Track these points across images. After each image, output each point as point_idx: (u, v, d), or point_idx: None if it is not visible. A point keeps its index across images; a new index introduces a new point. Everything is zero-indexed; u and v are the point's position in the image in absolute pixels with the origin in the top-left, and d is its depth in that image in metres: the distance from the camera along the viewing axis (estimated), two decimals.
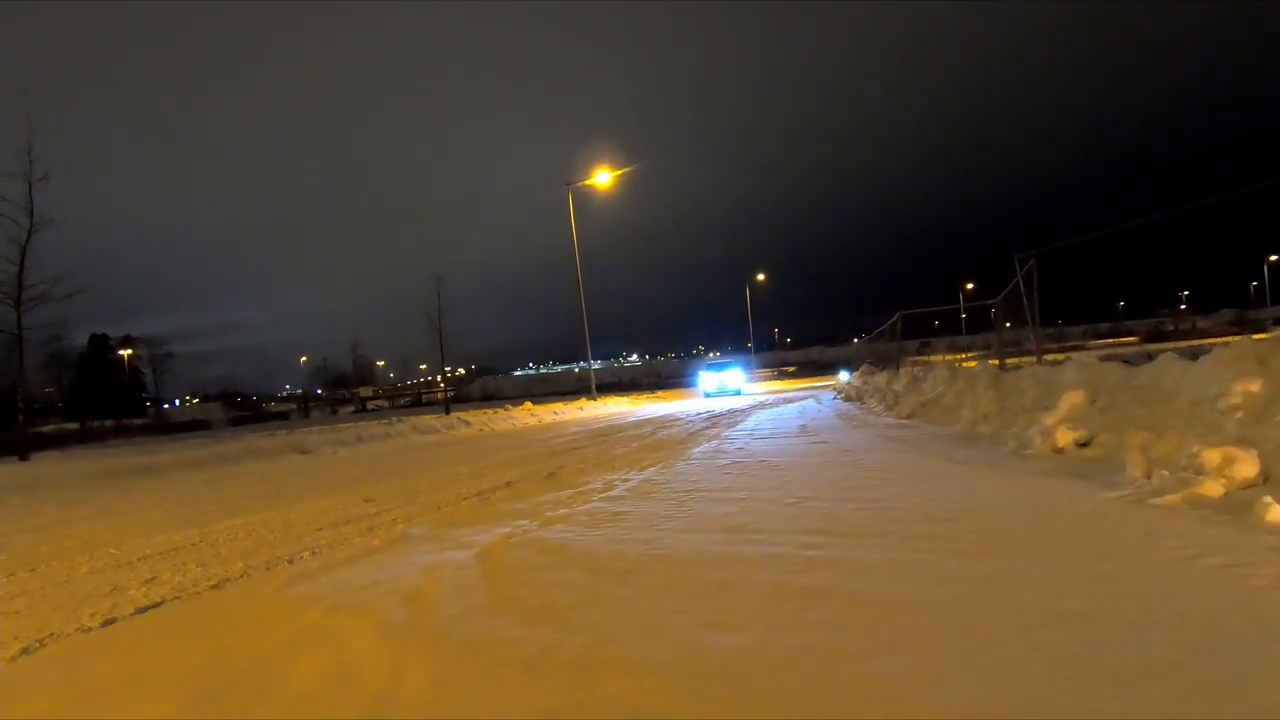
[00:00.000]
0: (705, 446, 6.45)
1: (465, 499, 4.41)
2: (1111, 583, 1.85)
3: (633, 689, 1.43)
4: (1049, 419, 4.16)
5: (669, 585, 2.14)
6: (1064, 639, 1.51)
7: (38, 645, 2.10)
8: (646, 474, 4.80)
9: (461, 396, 56.83)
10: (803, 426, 7.99)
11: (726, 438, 7.24)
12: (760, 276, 44.73)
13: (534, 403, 20.48)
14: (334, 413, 52.71)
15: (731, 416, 11.33)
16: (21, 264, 10.68)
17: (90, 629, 2.24)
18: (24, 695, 1.69)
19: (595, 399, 22.23)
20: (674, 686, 1.43)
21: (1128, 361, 4.89)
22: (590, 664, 1.57)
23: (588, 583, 2.23)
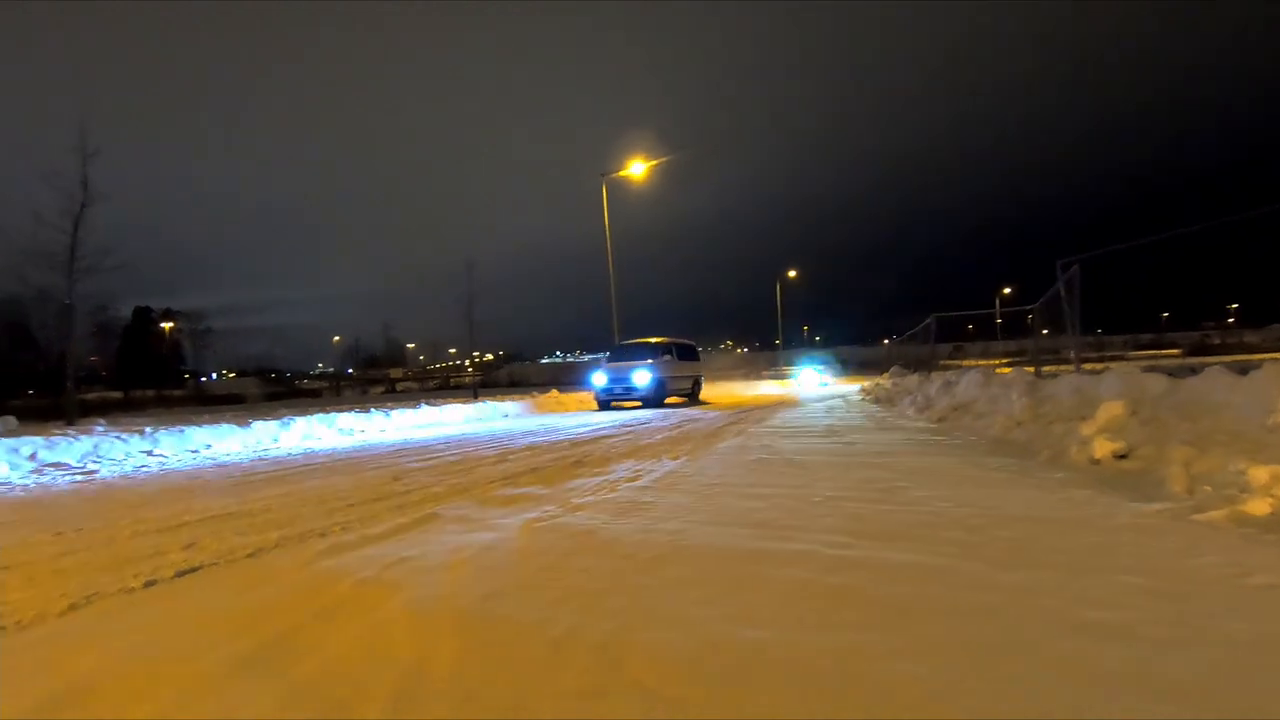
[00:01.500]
0: (730, 442, 6.43)
1: (492, 482, 4.46)
2: (1149, 598, 1.81)
3: (656, 676, 1.44)
4: (1086, 429, 4.06)
5: (694, 577, 2.15)
6: (1098, 653, 1.49)
7: (84, 602, 2.18)
8: (671, 466, 4.81)
9: (489, 382, 57.40)
10: (830, 426, 7.92)
11: (752, 434, 7.21)
12: (792, 273, 44.24)
13: (560, 391, 20.59)
14: (364, 392, 53.67)
15: (757, 414, 11.27)
16: (74, 236, 11.08)
17: (133, 589, 2.31)
18: (73, 650, 1.76)
19: None
20: (698, 676, 1.44)
21: (1171, 374, 4.75)
22: (615, 649, 1.58)
23: (613, 570, 2.25)
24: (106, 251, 11.51)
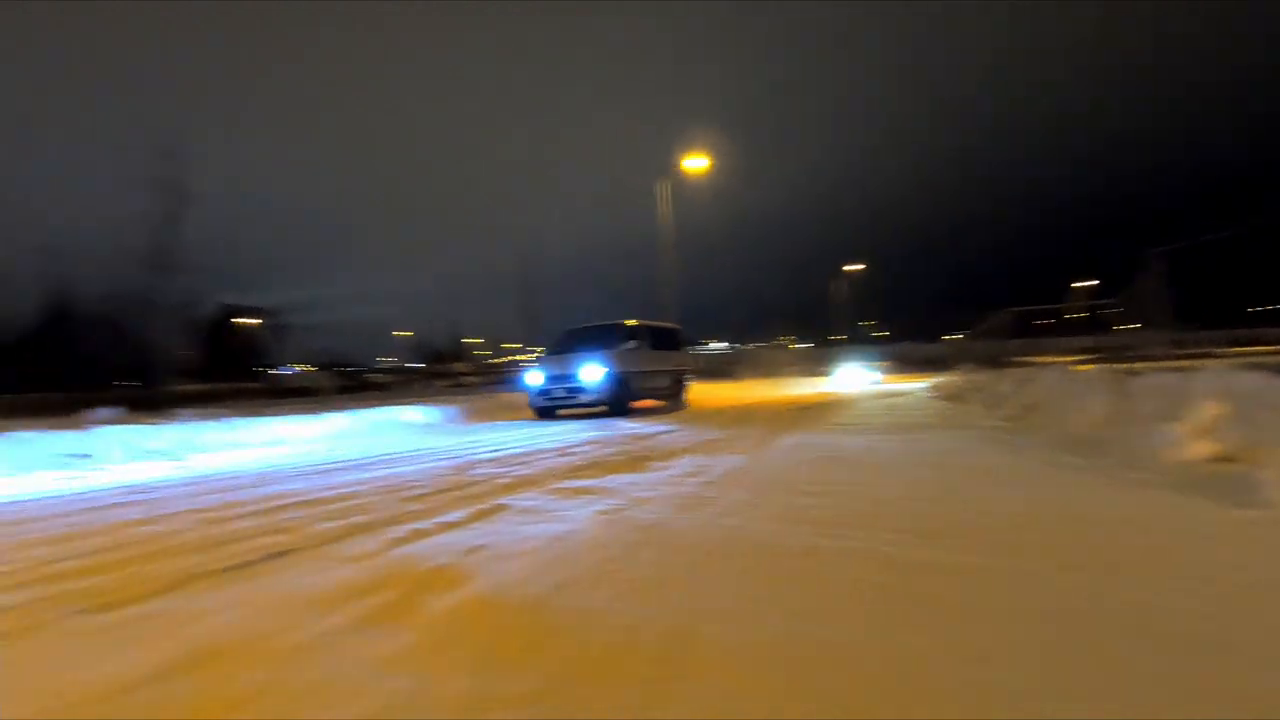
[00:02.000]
0: (790, 439, 6.36)
1: (555, 474, 4.55)
2: (1239, 608, 1.72)
3: (724, 668, 1.46)
4: (1176, 429, 3.84)
5: (758, 571, 2.16)
6: (1196, 665, 1.42)
7: (182, 582, 2.34)
8: (731, 462, 4.80)
9: None
10: (895, 424, 7.73)
11: (812, 432, 7.11)
12: (854, 267, 43.17)
13: None
14: (429, 385, 55.30)
15: (818, 410, 11.09)
16: (169, 239, 11.85)
17: (227, 570, 2.48)
18: (174, 625, 1.91)
19: None
20: (764, 670, 1.45)
21: (1273, 372, 4.44)
22: (683, 640, 1.61)
23: (677, 562, 2.28)
24: (196, 251, 12.31)
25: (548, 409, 11.21)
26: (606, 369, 10.71)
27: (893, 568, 2.14)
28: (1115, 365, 8.60)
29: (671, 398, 13.18)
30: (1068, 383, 6.91)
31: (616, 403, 10.81)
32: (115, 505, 3.99)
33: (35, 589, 2.29)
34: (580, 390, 10.72)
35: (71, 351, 27.25)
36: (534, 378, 11.38)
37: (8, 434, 6.37)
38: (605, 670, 1.47)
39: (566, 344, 12.05)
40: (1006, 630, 1.62)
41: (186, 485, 4.80)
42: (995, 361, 14.99)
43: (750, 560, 2.30)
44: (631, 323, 12.19)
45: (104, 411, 10.14)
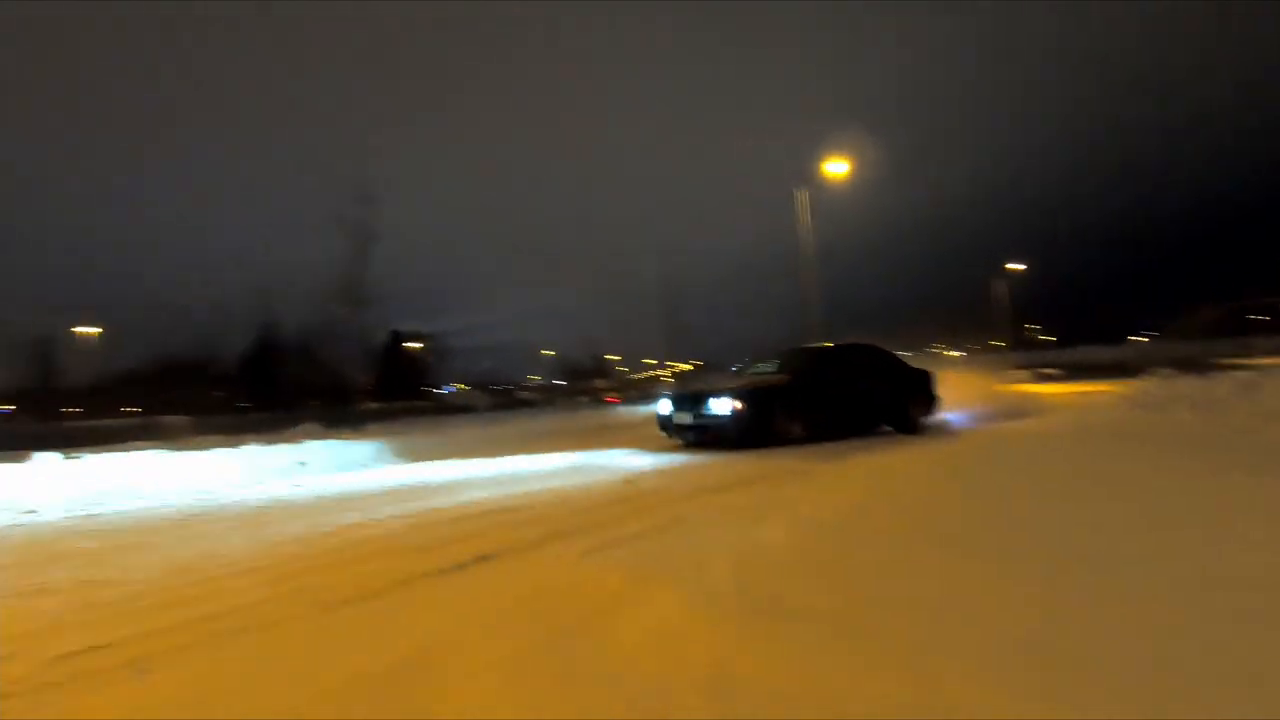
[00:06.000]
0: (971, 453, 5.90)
1: (726, 486, 4.52)
2: None
3: (978, 686, 1.36)
4: None
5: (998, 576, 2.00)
6: None
7: (410, 580, 2.57)
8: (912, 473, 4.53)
9: None
10: (1109, 430, 6.94)
11: (1005, 440, 6.56)
12: (1018, 267, 39.36)
13: None
14: (573, 402, 57.59)
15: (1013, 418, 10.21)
16: (359, 274, 13.33)
17: (445, 571, 2.68)
18: (404, 622, 2.09)
19: None
20: (1015, 682, 1.33)
21: None
22: (926, 651, 1.52)
23: (896, 567, 2.17)
24: (380, 284, 13.68)
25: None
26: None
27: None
28: None
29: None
30: None
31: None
32: (336, 510, 4.43)
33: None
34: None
35: (277, 376, 31.53)
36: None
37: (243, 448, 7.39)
38: (842, 688, 1.42)
39: None
40: None
41: (392, 492, 5.26)
42: (1196, 364, 13.05)
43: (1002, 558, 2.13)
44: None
45: (308, 426, 11.53)
